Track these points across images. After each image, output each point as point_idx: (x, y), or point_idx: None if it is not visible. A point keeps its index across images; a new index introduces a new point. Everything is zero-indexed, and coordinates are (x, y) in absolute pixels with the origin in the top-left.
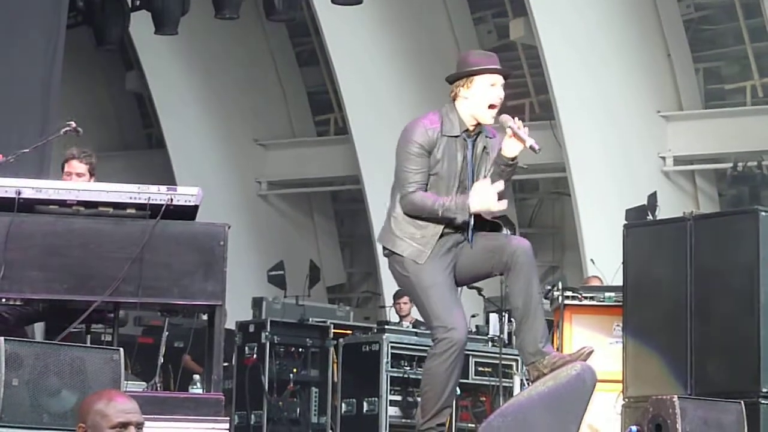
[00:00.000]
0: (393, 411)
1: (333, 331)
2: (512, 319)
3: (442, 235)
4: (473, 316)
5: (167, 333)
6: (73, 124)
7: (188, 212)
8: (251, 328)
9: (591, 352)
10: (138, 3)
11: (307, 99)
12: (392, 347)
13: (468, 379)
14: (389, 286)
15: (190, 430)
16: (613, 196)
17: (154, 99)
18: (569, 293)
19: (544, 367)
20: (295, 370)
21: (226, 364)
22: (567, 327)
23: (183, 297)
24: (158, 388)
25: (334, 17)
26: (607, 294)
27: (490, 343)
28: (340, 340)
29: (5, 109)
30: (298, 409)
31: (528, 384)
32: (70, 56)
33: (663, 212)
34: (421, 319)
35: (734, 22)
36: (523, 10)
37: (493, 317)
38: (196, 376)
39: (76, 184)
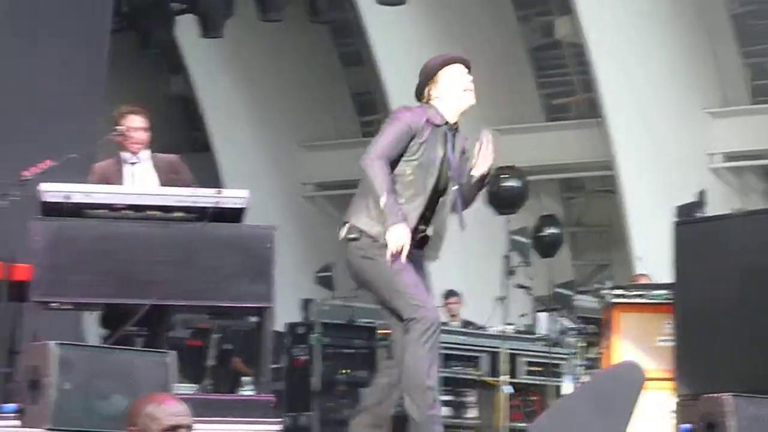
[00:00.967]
0: (444, 411)
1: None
2: (561, 318)
3: None
4: (522, 315)
5: (216, 335)
6: (123, 129)
7: (235, 215)
8: (300, 330)
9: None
10: (184, 7)
11: (352, 100)
12: (442, 347)
13: (518, 378)
14: (437, 286)
15: None
16: (661, 193)
17: (200, 102)
18: (618, 291)
19: None
20: (343, 371)
21: (275, 365)
22: (615, 326)
23: (231, 300)
24: (208, 391)
25: (378, 18)
26: (656, 292)
27: (540, 343)
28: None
29: (51, 114)
30: (346, 410)
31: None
32: (115, 61)
33: (711, 209)
34: (471, 320)
35: None
36: (568, 8)
37: (543, 316)
38: (246, 378)
39: (124, 189)
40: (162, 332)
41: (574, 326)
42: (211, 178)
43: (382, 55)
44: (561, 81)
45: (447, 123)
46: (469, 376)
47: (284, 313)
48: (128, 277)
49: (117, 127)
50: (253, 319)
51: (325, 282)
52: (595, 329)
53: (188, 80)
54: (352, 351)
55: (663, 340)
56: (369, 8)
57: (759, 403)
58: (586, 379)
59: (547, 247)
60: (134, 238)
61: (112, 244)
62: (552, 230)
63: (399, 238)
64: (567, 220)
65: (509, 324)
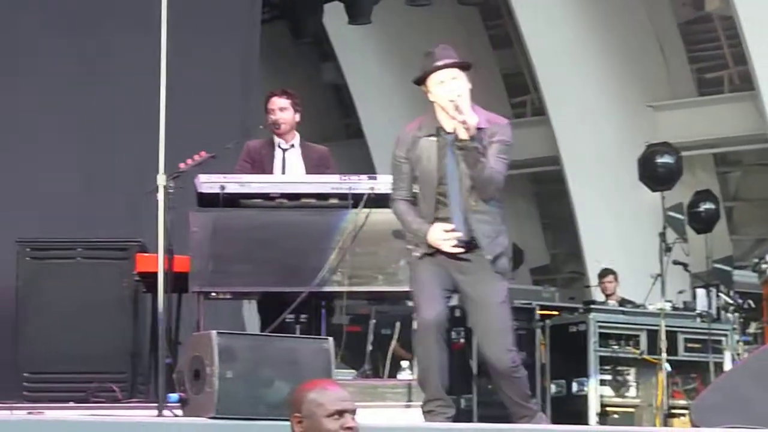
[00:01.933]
0: (604, 390)
1: (539, 312)
2: (720, 294)
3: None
4: (680, 292)
5: (374, 321)
6: (274, 118)
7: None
8: (457, 313)
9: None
10: None
11: (502, 81)
12: (599, 326)
13: (677, 355)
14: (593, 265)
15: (402, 416)
16: None
17: (351, 89)
18: None
19: None
20: None
21: None
22: None
23: (389, 284)
24: (368, 376)
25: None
26: None
27: (698, 319)
28: (547, 321)
29: (206, 106)
30: None
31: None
32: (266, 51)
33: None
34: (628, 298)
35: None
36: None
37: (701, 292)
38: (405, 362)
39: (279, 178)
40: (319, 318)
41: (732, 302)
42: (364, 165)
43: (531, 35)
44: (712, 55)
45: (440, 128)
46: (629, 355)
47: None
48: (287, 265)
49: (267, 116)
50: (411, 303)
51: None
52: (754, 304)
53: (339, 68)
54: None
55: None
56: None
57: None
58: (746, 354)
59: (703, 223)
60: (292, 227)
61: (270, 233)
62: (708, 205)
63: (433, 238)
64: (723, 194)
65: (667, 301)
